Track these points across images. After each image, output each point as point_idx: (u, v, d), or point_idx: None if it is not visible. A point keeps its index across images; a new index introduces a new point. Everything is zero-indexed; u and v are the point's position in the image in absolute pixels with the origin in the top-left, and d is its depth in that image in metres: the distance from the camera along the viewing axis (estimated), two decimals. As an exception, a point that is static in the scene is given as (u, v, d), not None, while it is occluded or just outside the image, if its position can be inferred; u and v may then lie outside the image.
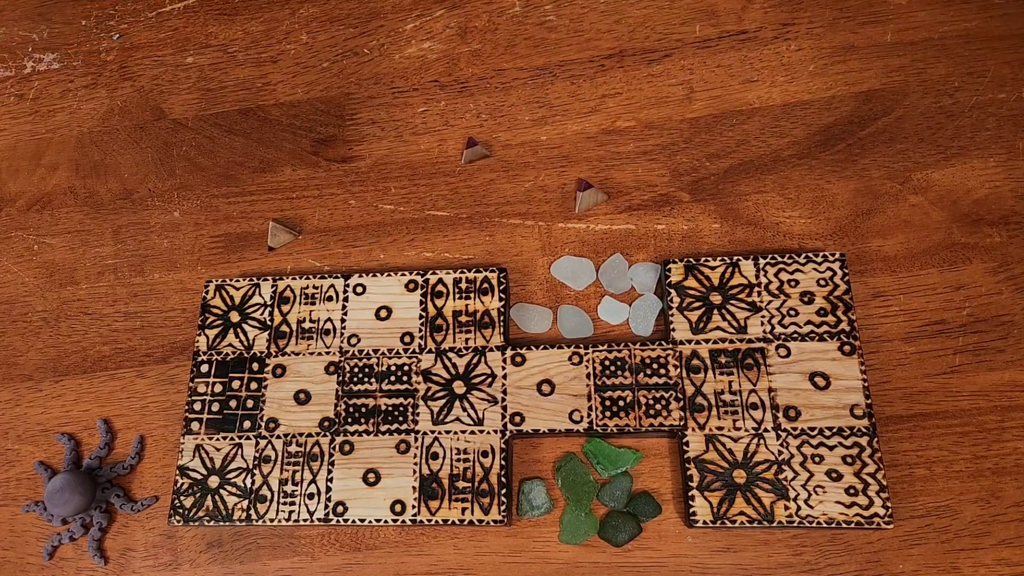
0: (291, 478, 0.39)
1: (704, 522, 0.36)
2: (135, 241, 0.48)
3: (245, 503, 0.39)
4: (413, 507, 0.38)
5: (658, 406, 0.38)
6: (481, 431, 0.39)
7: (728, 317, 0.40)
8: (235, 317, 0.43)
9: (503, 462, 0.38)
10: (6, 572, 0.41)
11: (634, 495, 0.38)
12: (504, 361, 0.40)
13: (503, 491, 0.38)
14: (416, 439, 0.39)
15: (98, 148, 0.51)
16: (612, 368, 0.39)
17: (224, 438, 0.41)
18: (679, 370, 0.39)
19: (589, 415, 0.38)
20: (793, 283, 0.40)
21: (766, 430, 0.37)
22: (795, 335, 0.39)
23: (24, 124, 0.52)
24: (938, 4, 0.46)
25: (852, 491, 0.36)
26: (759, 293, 0.40)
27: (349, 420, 0.40)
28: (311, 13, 0.52)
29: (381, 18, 0.51)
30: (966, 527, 0.36)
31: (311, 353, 0.42)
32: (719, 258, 0.41)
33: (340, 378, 0.41)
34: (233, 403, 0.41)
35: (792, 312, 0.39)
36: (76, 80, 0.53)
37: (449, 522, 0.38)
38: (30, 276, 0.48)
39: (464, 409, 0.39)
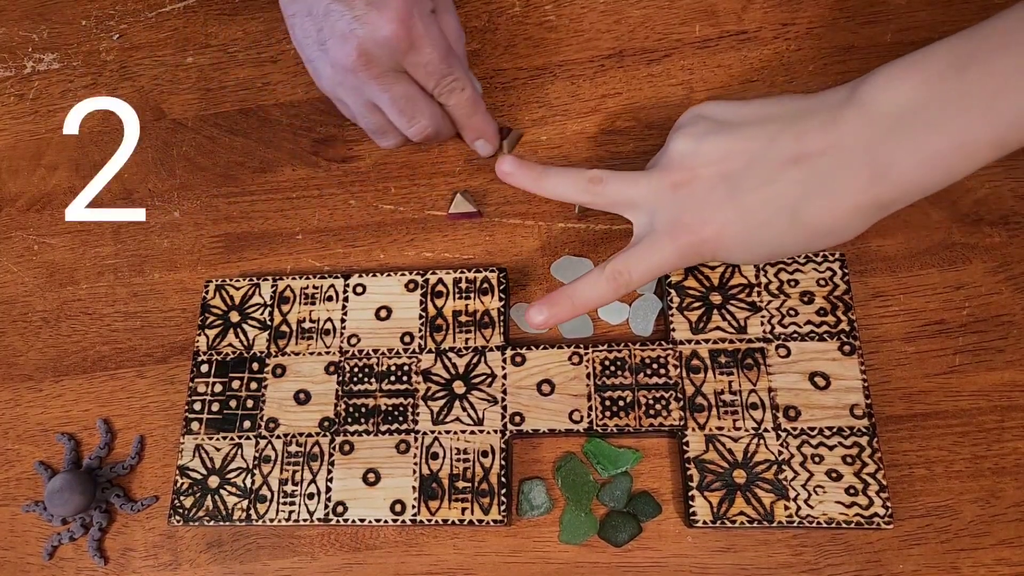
0: (291, 478, 0.39)
1: (704, 522, 0.36)
2: (135, 241, 0.48)
3: (245, 503, 0.39)
4: (413, 507, 0.38)
5: (658, 406, 0.38)
6: (481, 431, 0.39)
7: (728, 317, 0.40)
8: (235, 317, 0.43)
9: (503, 462, 0.38)
10: (6, 572, 0.41)
11: (634, 495, 0.38)
12: (504, 361, 0.40)
13: (503, 491, 0.38)
14: (416, 439, 0.39)
15: (98, 148, 0.51)
16: (612, 368, 0.39)
17: (224, 438, 0.41)
18: (679, 370, 0.39)
19: (589, 415, 0.39)
20: (793, 283, 0.40)
21: (766, 430, 0.37)
22: (795, 335, 0.39)
23: (24, 124, 0.52)
24: (938, 4, 0.46)
25: (852, 491, 0.36)
26: (759, 293, 0.40)
27: (349, 420, 0.40)
28: (311, 13, 0.52)
29: (381, 18, 0.51)
30: (966, 527, 0.36)
31: (311, 353, 0.42)
32: (719, 258, 0.41)
33: (340, 378, 0.41)
34: (233, 403, 0.41)
35: (792, 312, 0.39)
36: (76, 80, 0.53)
37: (449, 522, 0.38)
38: (30, 276, 0.48)
39: (464, 409, 0.39)
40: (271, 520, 0.39)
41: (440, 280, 0.42)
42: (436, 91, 0.40)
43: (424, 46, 0.38)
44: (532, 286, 0.43)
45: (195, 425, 0.41)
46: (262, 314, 0.43)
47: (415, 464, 0.39)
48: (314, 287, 0.43)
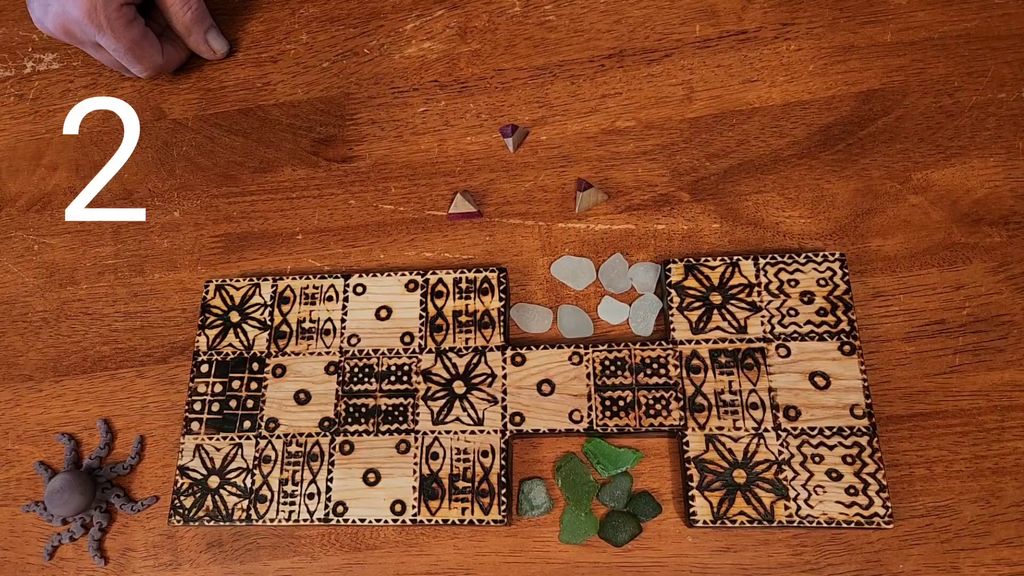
0: (291, 478, 0.39)
1: (704, 522, 0.36)
2: (135, 241, 0.48)
3: (245, 503, 0.39)
4: (413, 507, 0.38)
5: (658, 406, 0.38)
6: (481, 431, 0.39)
7: (728, 317, 0.40)
8: (235, 317, 0.43)
9: (503, 462, 0.38)
10: (6, 572, 0.41)
11: (634, 495, 0.38)
12: (504, 361, 0.40)
13: (503, 491, 0.38)
14: (416, 439, 0.39)
15: (98, 148, 0.51)
16: (612, 368, 0.39)
17: (224, 438, 0.41)
18: (679, 370, 0.39)
19: (589, 415, 0.38)
20: (793, 283, 0.40)
21: (766, 430, 0.37)
22: (795, 335, 0.39)
23: (24, 124, 0.52)
24: (938, 4, 0.46)
25: (852, 491, 0.36)
26: (759, 293, 0.40)
27: (349, 420, 0.40)
28: (311, 13, 0.52)
29: (381, 18, 0.51)
30: (966, 527, 0.36)
31: (311, 353, 0.42)
32: (719, 258, 0.41)
33: (340, 378, 0.41)
34: (233, 403, 0.41)
35: (792, 312, 0.39)
36: (76, 80, 0.53)
37: (449, 522, 0.38)
38: (30, 276, 0.48)
39: (464, 409, 0.39)
40: (271, 520, 0.39)
41: (440, 280, 0.42)
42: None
43: (108, 36, 0.45)
44: (532, 286, 0.43)
45: (195, 425, 0.41)
46: (262, 314, 0.43)
47: (415, 464, 0.39)
48: (314, 287, 0.43)
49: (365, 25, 0.51)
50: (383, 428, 0.40)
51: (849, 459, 0.36)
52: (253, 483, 0.39)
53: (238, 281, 0.44)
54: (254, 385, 0.41)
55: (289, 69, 0.51)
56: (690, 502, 0.36)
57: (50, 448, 0.43)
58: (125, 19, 0.45)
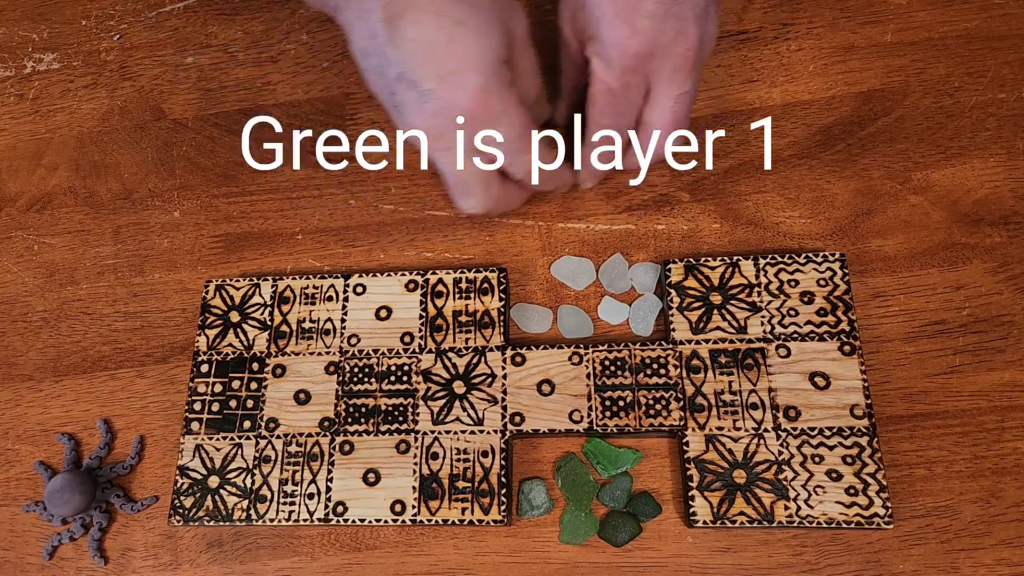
0: (291, 478, 0.39)
1: (704, 522, 0.36)
2: (135, 241, 0.48)
3: (245, 503, 0.39)
4: (413, 507, 0.38)
5: (658, 406, 0.38)
6: (481, 431, 0.39)
7: (728, 317, 0.40)
8: (235, 317, 0.43)
9: (503, 462, 0.38)
10: (6, 572, 0.41)
11: (634, 495, 0.38)
12: (504, 361, 0.40)
13: (503, 491, 0.38)
14: (416, 439, 0.39)
15: (98, 148, 0.51)
16: (612, 368, 0.39)
17: (224, 438, 0.41)
18: (679, 370, 0.39)
19: (589, 415, 0.38)
20: (793, 283, 0.40)
21: (766, 430, 0.37)
22: (795, 335, 0.39)
23: (24, 124, 0.52)
24: (938, 4, 0.46)
25: (852, 491, 0.36)
26: (759, 293, 0.40)
27: (349, 420, 0.40)
28: (311, 13, 0.52)
29: (381, 18, 0.51)
30: (966, 527, 0.36)
31: (311, 353, 0.42)
32: (719, 258, 0.41)
33: (340, 378, 0.41)
34: (233, 403, 0.41)
35: (792, 312, 0.39)
36: (76, 80, 0.53)
37: (449, 522, 0.38)
38: (30, 276, 0.48)
39: (464, 409, 0.39)
40: (271, 520, 0.39)
41: (440, 280, 0.42)
42: (506, 168, 0.38)
43: (500, 123, 0.35)
44: (532, 286, 0.43)
45: (195, 425, 0.41)
46: (262, 314, 0.43)
47: (415, 464, 0.39)
48: (314, 287, 0.43)
49: (365, 25, 0.51)
50: (383, 428, 0.40)
51: (849, 459, 0.36)
52: (253, 483, 0.39)
53: (238, 281, 0.44)
54: (254, 385, 0.41)
55: (289, 69, 0.51)
56: (690, 502, 0.36)
57: (50, 448, 0.43)
58: (515, 96, 0.35)
